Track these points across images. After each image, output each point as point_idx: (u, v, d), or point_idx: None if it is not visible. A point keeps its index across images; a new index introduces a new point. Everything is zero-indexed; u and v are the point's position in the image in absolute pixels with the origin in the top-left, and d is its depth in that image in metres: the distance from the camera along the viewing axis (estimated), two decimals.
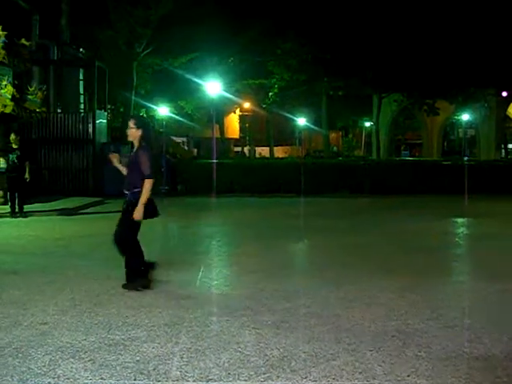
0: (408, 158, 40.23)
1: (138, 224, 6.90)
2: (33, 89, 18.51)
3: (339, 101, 37.76)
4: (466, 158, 34.66)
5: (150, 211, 6.89)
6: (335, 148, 55.62)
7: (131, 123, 6.89)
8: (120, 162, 7.08)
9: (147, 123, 7.10)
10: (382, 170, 23.05)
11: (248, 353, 4.88)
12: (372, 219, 15.17)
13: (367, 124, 50.90)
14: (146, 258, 7.11)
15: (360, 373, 4.47)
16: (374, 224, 14.05)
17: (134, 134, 6.84)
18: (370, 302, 6.50)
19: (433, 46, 28.05)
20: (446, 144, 56.25)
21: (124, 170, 6.99)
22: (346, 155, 46.67)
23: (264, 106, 42.20)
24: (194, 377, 4.39)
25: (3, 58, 16.97)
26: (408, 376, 4.41)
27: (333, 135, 54.42)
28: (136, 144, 6.89)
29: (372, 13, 28.35)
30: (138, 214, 6.70)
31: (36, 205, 16.22)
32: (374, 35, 28.45)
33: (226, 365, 4.62)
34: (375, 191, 21.42)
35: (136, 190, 6.73)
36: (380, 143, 36.44)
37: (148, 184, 6.69)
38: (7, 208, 15.13)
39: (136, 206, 6.70)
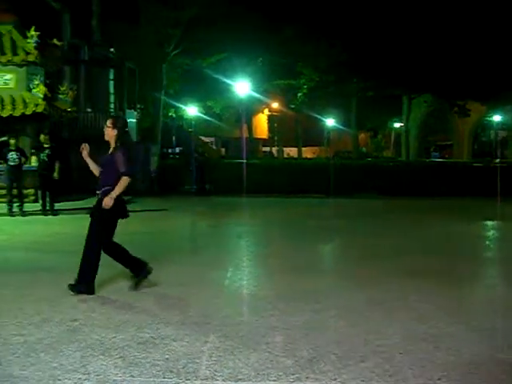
0: (438, 160, 39.77)
1: (108, 225, 6.77)
2: (64, 88, 18.76)
3: (369, 101, 37.52)
4: (497, 160, 34.17)
5: (121, 211, 6.78)
6: (364, 149, 55.30)
7: (108, 122, 6.78)
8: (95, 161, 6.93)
9: (124, 125, 6.90)
10: (411, 171, 22.84)
11: (277, 353, 4.87)
12: (401, 221, 15.05)
13: (397, 125, 50.49)
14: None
15: (390, 375, 4.42)
16: (403, 226, 13.95)
17: (109, 133, 6.70)
18: (399, 304, 6.44)
19: (464, 46, 27.72)
20: (476, 146, 55.51)
21: (96, 169, 6.85)
22: (374, 156, 46.34)
23: (293, 106, 42.13)
24: (223, 376, 4.39)
25: (35, 57, 17.23)
26: (439, 379, 4.35)
27: (362, 136, 54.13)
28: (112, 144, 6.74)
29: (403, 13, 28.11)
30: (107, 201, 6.50)
31: (66, 203, 16.38)
32: (405, 35, 28.21)
33: (256, 365, 4.61)
34: (404, 193, 21.22)
35: (109, 187, 6.59)
36: (409, 144, 36.14)
37: (124, 180, 6.56)
38: (38, 206, 15.33)
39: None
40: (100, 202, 6.62)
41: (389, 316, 5.96)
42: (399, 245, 10.88)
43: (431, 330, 5.50)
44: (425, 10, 27.57)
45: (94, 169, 6.89)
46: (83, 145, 6.89)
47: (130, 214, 7.02)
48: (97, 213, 6.69)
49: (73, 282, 6.69)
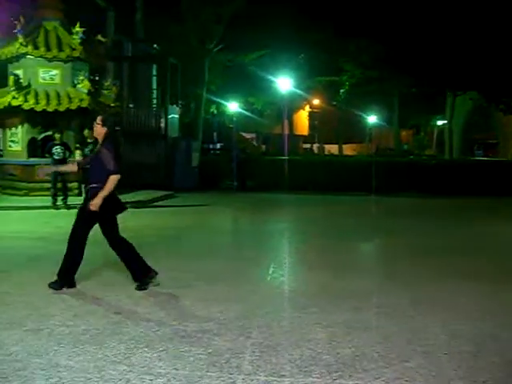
0: (482, 158, 39.01)
1: (109, 223, 6.88)
2: (107, 84, 18.98)
3: (411, 98, 37.06)
4: None
5: (111, 208, 6.81)
6: (406, 146, 54.65)
7: (98, 120, 6.78)
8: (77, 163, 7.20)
9: (114, 124, 6.96)
10: (454, 169, 22.47)
11: (320, 350, 4.85)
12: (444, 220, 14.82)
13: (440, 122, 49.75)
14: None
15: (434, 376, 4.36)
16: (446, 225, 13.72)
17: (99, 130, 6.75)
18: (443, 304, 6.35)
19: (510, 42, 27.14)
20: None
21: (71, 167, 6.94)
22: (416, 154, 45.71)
23: (334, 103, 41.89)
24: (265, 372, 4.39)
25: (80, 53, 17.47)
26: (484, 382, 4.28)
27: (404, 133, 53.54)
28: (100, 141, 6.81)
29: (448, 8, 27.67)
30: (94, 205, 6.54)
31: None
32: (449, 32, 27.77)
33: (298, 361, 4.60)
34: (447, 192, 20.87)
35: (96, 185, 6.65)
36: (453, 142, 35.55)
37: (111, 180, 6.58)
38: (82, 199, 15.52)
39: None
40: (87, 199, 6.73)
41: (433, 316, 5.88)
42: (444, 244, 10.72)
43: (476, 331, 5.40)
44: (470, 5, 27.09)
45: (69, 168, 6.98)
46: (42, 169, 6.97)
47: (127, 206, 7.30)
48: (82, 210, 6.79)
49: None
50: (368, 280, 7.62)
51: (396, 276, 7.76)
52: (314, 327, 5.44)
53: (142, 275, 6.73)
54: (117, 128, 6.95)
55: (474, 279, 7.57)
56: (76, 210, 7.06)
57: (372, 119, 47.56)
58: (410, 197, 20.30)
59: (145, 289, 6.62)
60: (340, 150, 49.79)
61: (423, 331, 5.38)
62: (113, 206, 6.78)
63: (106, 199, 6.59)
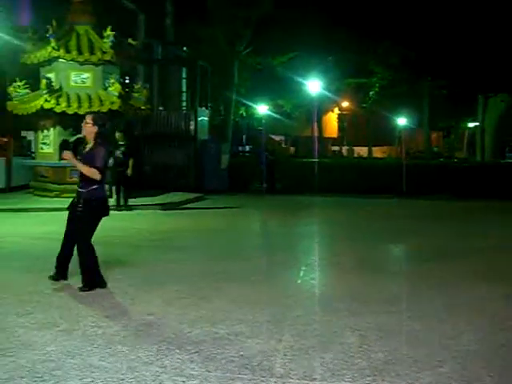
0: None
1: (93, 224, 6.84)
2: (138, 86, 19.12)
3: (441, 100, 36.68)
4: None
5: (104, 209, 6.87)
6: (436, 149, 54.08)
7: (88, 119, 6.80)
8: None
9: (104, 122, 6.89)
10: (486, 172, 22.15)
11: (352, 354, 4.82)
12: (476, 223, 14.62)
13: (471, 124, 49.17)
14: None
15: (468, 382, 4.31)
16: (479, 228, 13.53)
17: (89, 129, 6.76)
18: (476, 309, 6.26)
19: None
20: None
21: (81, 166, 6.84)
22: (446, 156, 45.22)
23: (364, 105, 41.64)
24: (297, 375, 4.38)
25: (111, 57, 17.62)
26: None
27: (434, 135, 53.00)
28: (91, 141, 6.81)
29: (479, 11, 27.36)
30: (67, 156, 6.73)
31: (140, 199, 16.72)
32: (481, 33, 27.45)
33: (330, 365, 4.57)
34: (479, 195, 20.56)
35: (93, 187, 6.69)
36: (485, 144, 35.07)
37: (95, 171, 6.63)
38: (113, 201, 15.68)
39: (92, 204, 6.70)
40: (85, 201, 6.71)
41: (467, 321, 5.80)
42: (478, 246, 10.58)
43: (510, 337, 5.32)
44: (502, 7, 26.73)
45: (84, 169, 6.93)
46: (66, 152, 6.87)
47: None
48: (84, 212, 6.74)
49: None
50: (400, 283, 7.56)
51: (428, 279, 7.68)
52: (345, 331, 5.41)
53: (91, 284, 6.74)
54: (106, 127, 6.89)
55: (508, 283, 7.46)
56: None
57: (402, 121, 47.16)
58: (440, 199, 20.07)
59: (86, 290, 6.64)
60: (369, 152, 49.45)
61: (457, 336, 5.32)
62: (101, 208, 6.83)
63: (98, 202, 6.76)
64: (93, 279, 6.73)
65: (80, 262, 6.75)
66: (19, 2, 19.34)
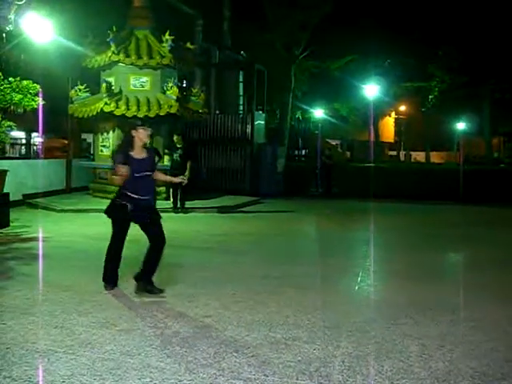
0: None
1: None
2: (196, 90, 19.28)
3: (502, 104, 35.78)
4: None
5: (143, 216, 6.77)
6: (496, 154, 52.82)
7: (144, 127, 6.81)
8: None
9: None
10: None
11: (411, 363, 4.72)
12: None
13: None
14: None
15: None
16: None
17: (147, 136, 6.83)
18: None
19: None
20: None
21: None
22: (507, 162, 44.10)
23: (423, 109, 40.99)
24: (356, 382, 4.32)
25: (170, 61, 17.83)
26: None
27: (494, 141, 51.76)
28: (142, 146, 6.80)
29: None
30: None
31: (196, 201, 16.84)
32: None
33: (389, 373, 4.49)
34: None
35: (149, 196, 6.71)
36: None
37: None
38: (170, 203, 15.86)
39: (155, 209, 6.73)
40: (151, 208, 6.74)
41: None
42: None
43: None
44: None
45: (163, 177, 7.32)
46: (121, 166, 6.64)
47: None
48: (156, 216, 6.79)
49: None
50: (461, 292, 7.37)
51: (490, 289, 7.46)
52: (405, 339, 5.30)
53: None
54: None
55: None
56: (164, 214, 7.12)
57: (461, 126, 46.28)
58: (500, 206, 19.54)
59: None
60: (427, 157, 48.63)
61: None
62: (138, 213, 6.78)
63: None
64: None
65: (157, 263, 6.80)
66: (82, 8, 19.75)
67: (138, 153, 6.72)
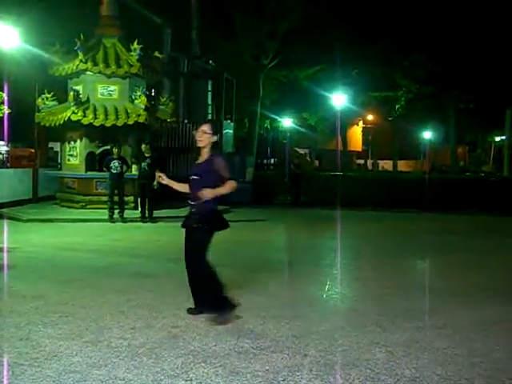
0: None
1: (209, 241, 6.29)
2: (164, 99, 19.26)
3: (467, 114, 36.42)
4: None
5: (222, 222, 6.38)
6: (461, 163, 53.67)
7: (207, 128, 6.18)
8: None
9: (219, 130, 6.60)
10: None
11: (378, 370, 4.75)
12: (502, 240, 14.37)
13: (498, 139, 48.72)
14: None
15: None
16: (506, 245, 13.32)
17: (208, 139, 6.17)
18: (508, 326, 6.14)
19: None
20: None
21: (182, 186, 6.50)
22: (473, 171, 44.82)
23: (390, 118, 41.49)
24: None
25: (138, 70, 17.78)
26: None
27: (460, 150, 52.61)
28: (206, 151, 6.23)
29: (504, 24, 27.17)
30: (207, 194, 6.02)
31: (164, 211, 16.78)
32: (509, 47, 27.25)
33: (356, 381, 4.52)
34: (507, 210, 20.23)
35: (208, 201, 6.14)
36: None
37: (230, 184, 6.14)
38: (138, 213, 15.77)
39: (208, 219, 6.16)
40: (201, 216, 6.19)
41: (496, 338, 5.70)
42: (506, 263, 10.42)
43: None
44: None
45: (180, 187, 6.55)
46: (158, 175, 6.51)
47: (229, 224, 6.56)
48: (201, 226, 6.21)
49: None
50: (428, 299, 7.44)
51: (457, 295, 7.55)
52: (372, 346, 5.35)
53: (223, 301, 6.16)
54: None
55: None
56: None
57: (427, 135, 46.94)
58: (465, 214, 19.83)
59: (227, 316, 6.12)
60: (394, 166, 49.20)
61: (486, 354, 5.22)
62: (217, 221, 6.34)
63: (213, 212, 6.28)
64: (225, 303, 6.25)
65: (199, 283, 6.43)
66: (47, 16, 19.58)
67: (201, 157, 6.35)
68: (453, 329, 5.99)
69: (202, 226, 6.18)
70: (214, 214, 6.28)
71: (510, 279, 8.91)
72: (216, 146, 6.36)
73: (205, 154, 6.26)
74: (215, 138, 6.29)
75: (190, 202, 6.31)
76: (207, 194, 6.03)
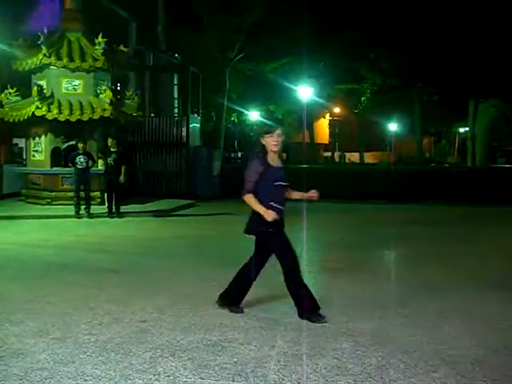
0: (506, 165, 38.57)
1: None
2: (130, 93, 19.11)
3: (432, 106, 36.86)
4: None
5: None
6: (427, 154, 54.31)
7: (280, 132, 6.22)
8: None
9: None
10: (478, 177, 22.22)
11: (345, 360, 4.82)
12: (467, 229, 14.65)
13: (462, 130, 49.43)
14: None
15: None
16: (470, 234, 13.57)
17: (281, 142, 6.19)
18: (470, 314, 6.27)
19: None
20: None
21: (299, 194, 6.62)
22: (438, 162, 45.42)
23: (356, 111, 41.79)
24: (291, 381, 4.37)
25: (103, 64, 17.62)
26: None
27: (425, 141, 53.25)
28: (277, 154, 6.23)
29: (470, 17, 27.52)
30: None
31: (131, 206, 16.70)
32: (471, 39, 27.61)
33: (324, 371, 4.57)
34: (471, 200, 20.62)
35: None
36: (476, 150, 35.24)
37: None
38: (104, 208, 15.66)
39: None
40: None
41: (460, 325, 5.82)
42: (470, 253, 10.59)
43: (504, 342, 5.32)
44: (493, 13, 26.91)
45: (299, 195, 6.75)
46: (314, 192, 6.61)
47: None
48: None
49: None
50: (394, 289, 7.56)
51: (422, 284, 7.67)
52: (339, 336, 5.41)
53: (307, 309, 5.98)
54: None
55: (503, 288, 7.48)
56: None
57: (393, 127, 47.41)
58: (433, 205, 20.11)
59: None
60: (361, 158, 49.62)
61: (450, 341, 5.32)
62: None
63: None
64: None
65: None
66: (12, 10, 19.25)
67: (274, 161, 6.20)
68: (419, 317, 6.09)
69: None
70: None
71: (473, 268, 9.08)
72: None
73: (276, 157, 6.20)
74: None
75: (278, 206, 6.42)
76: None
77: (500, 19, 26.64)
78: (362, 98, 37.03)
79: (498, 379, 4.45)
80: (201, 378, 4.41)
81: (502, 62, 27.54)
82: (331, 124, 56.28)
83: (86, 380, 4.34)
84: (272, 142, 6.07)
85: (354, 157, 52.93)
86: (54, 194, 17.29)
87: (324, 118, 54.41)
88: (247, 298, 6.47)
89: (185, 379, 4.38)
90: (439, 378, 4.46)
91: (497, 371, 4.61)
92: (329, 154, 57.04)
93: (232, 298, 6.25)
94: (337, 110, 50.81)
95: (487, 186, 21.21)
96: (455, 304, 6.66)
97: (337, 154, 55.99)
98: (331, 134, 57.81)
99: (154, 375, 4.44)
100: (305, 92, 29.26)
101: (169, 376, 4.43)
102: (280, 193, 6.32)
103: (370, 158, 52.94)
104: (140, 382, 4.33)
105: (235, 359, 4.78)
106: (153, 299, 6.65)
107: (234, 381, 4.36)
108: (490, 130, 38.37)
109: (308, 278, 8.19)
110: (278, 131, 6.13)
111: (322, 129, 56.24)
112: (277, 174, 6.19)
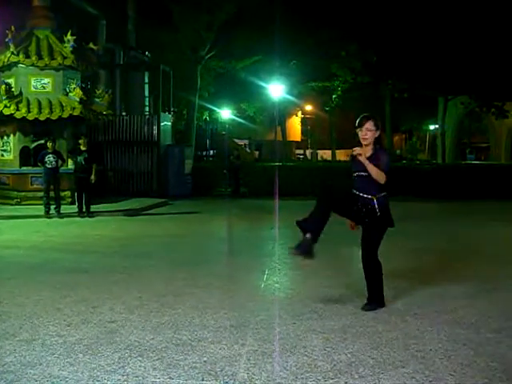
0: (475, 162, 39.12)
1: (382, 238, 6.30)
2: (100, 92, 18.95)
3: (403, 103, 37.19)
4: None
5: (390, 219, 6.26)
6: (398, 151, 54.79)
7: (370, 125, 6.06)
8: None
9: (380, 124, 6.24)
10: (448, 173, 22.52)
11: (315, 357, 4.82)
12: (438, 224, 14.83)
13: (432, 127, 49.95)
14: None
15: (430, 381, 4.34)
16: (440, 229, 13.74)
17: (372, 136, 6.08)
18: (439, 309, 6.32)
19: (502, 46, 27.29)
20: None
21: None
22: (409, 158, 45.85)
23: (327, 108, 41.96)
24: (261, 379, 4.36)
25: (72, 62, 17.45)
26: None
27: (396, 138, 53.71)
28: (369, 147, 6.13)
29: (438, 14, 27.81)
30: (363, 159, 6.02)
31: (102, 205, 16.57)
32: (440, 36, 27.90)
33: (294, 368, 4.57)
34: (441, 196, 20.93)
35: (382, 194, 6.16)
36: (445, 146, 35.64)
37: (382, 174, 5.99)
38: (75, 208, 15.52)
39: (383, 214, 6.14)
40: (374, 211, 6.15)
41: (430, 321, 5.85)
42: (438, 248, 10.71)
43: (473, 336, 5.38)
44: (461, 10, 27.22)
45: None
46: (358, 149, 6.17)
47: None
48: (375, 223, 6.19)
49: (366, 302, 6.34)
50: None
51: (391, 280, 7.69)
52: (309, 334, 5.42)
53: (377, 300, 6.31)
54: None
55: (470, 282, 7.57)
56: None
57: None
58: (404, 201, 20.22)
59: (371, 309, 6.21)
60: (333, 155, 49.85)
61: (419, 336, 5.36)
62: (387, 218, 6.25)
63: (387, 209, 6.21)
64: (380, 298, 6.35)
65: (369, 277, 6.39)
66: None
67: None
68: (388, 313, 6.12)
69: (378, 222, 6.20)
70: (388, 209, 6.25)
71: (441, 262, 9.17)
72: (378, 141, 6.20)
73: (368, 150, 6.13)
74: (379, 133, 6.15)
75: (361, 194, 6.32)
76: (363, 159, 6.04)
77: (468, 17, 26.96)
78: (334, 96, 37.18)
79: (466, 373, 4.49)
80: (170, 377, 4.37)
81: (471, 60, 27.89)
82: (303, 122, 56.47)
83: (52, 382, 4.28)
84: (362, 137, 6.18)
85: (326, 154, 53.16)
86: (23, 193, 17.09)
87: (296, 115, 54.57)
88: (217, 296, 6.46)
89: (154, 379, 4.34)
90: (408, 372, 4.48)
91: (465, 365, 4.64)
92: (301, 151, 57.23)
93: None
94: (309, 107, 50.98)
95: (455, 182, 21.53)
96: (423, 299, 6.70)
97: (309, 152, 56.17)
98: (303, 132, 58.01)
99: (123, 376, 4.40)
100: (276, 90, 29.31)
101: (137, 376, 4.39)
102: (360, 184, 6.48)
103: (342, 155, 53.18)
104: (108, 383, 4.28)
105: (205, 358, 4.76)
106: (122, 299, 6.59)
107: (203, 380, 4.34)
108: (459, 127, 38.88)
109: (279, 276, 8.24)
110: (366, 125, 6.13)
111: (295, 126, 56.40)
112: (357, 165, 6.33)
